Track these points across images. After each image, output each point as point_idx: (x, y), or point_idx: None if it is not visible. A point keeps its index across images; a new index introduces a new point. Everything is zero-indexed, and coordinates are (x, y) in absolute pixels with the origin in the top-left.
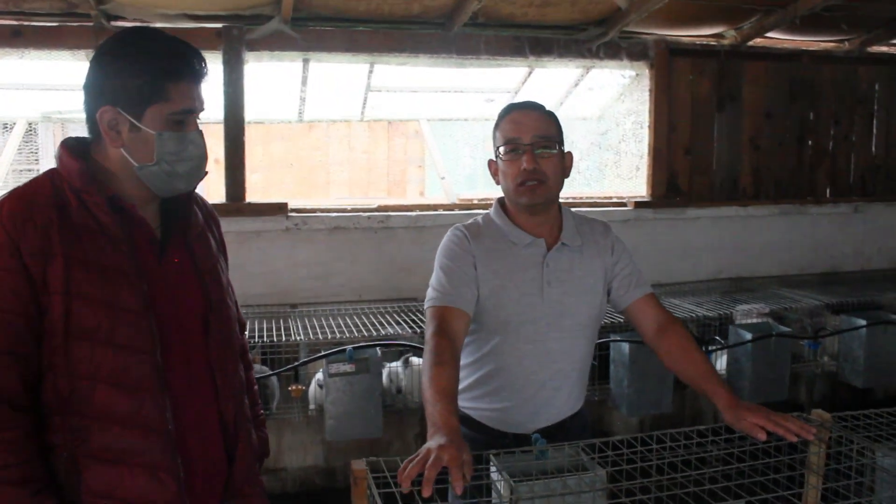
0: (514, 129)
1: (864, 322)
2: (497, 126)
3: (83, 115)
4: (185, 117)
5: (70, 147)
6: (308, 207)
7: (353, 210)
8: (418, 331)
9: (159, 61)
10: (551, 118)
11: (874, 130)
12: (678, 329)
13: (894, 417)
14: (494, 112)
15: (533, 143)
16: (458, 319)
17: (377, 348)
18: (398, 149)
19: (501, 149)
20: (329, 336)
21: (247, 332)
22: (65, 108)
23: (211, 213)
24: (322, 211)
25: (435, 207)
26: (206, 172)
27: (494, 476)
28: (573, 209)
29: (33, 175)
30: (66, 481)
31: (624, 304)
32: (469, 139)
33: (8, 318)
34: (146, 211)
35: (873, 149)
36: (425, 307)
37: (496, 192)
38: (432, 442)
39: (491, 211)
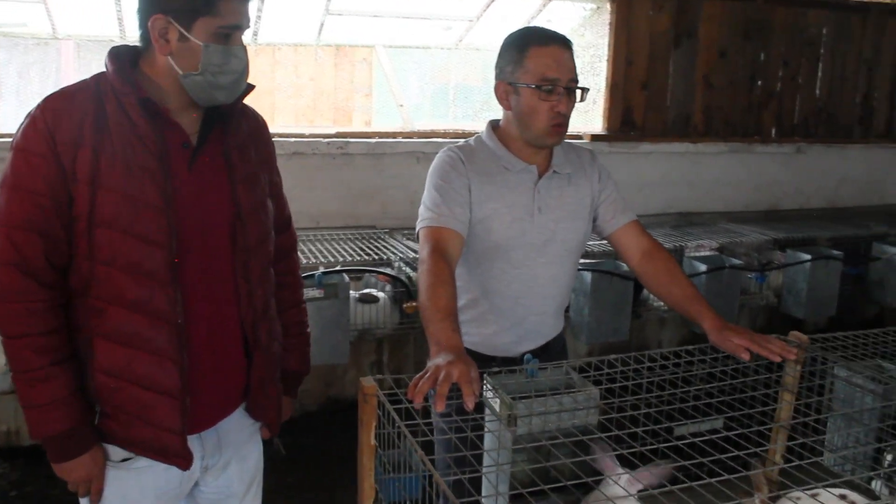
0: (554, 69)
1: (808, 257)
2: (526, 53)
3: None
4: (232, 32)
5: (113, 52)
6: None
7: (311, 136)
8: (383, 258)
9: None
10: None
11: (819, 74)
12: (664, 254)
13: (864, 339)
14: (451, 40)
15: (569, 86)
16: (453, 240)
17: (344, 274)
18: (345, 77)
19: (535, 85)
20: None
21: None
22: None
23: (260, 129)
24: (281, 136)
25: (394, 135)
26: (251, 87)
27: (489, 395)
28: None
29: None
30: (84, 360)
31: (609, 230)
32: (418, 68)
33: (39, 201)
34: (183, 117)
35: (817, 92)
36: (418, 227)
37: (445, 122)
38: (439, 359)
39: (483, 134)
